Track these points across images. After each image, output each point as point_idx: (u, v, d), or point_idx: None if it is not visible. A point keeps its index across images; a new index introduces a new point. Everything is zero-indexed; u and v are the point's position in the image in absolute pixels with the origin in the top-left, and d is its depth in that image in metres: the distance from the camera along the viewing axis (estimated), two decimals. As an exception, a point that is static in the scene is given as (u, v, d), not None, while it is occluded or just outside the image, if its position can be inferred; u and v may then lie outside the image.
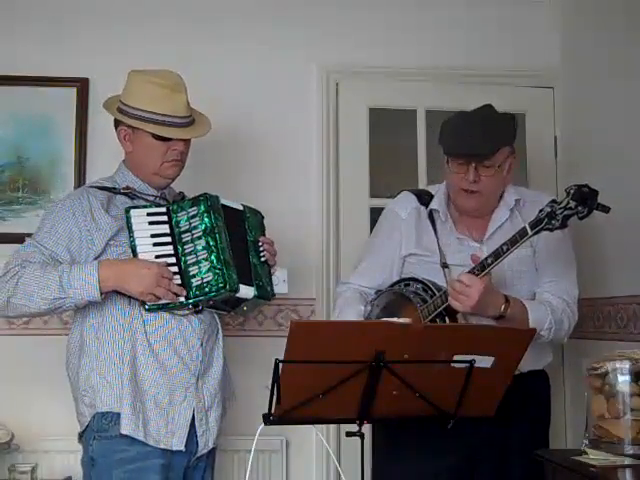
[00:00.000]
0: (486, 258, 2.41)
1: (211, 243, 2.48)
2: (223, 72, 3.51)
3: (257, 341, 3.41)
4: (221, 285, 2.44)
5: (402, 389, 2.13)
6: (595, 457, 2.19)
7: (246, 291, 2.52)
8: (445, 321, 2.47)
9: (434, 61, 3.63)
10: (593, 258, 3.17)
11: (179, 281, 2.47)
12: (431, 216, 2.72)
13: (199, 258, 2.48)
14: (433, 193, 2.77)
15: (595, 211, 2.26)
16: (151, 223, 2.53)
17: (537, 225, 2.32)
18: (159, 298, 2.45)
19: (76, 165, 3.44)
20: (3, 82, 3.45)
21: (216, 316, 2.63)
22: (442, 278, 2.58)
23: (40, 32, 3.48)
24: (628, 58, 3.09)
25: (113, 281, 2.42)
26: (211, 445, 2.55)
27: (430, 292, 2.54)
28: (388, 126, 3.73)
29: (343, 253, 3.55)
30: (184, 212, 2.53)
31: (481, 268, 2.40)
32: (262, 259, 2.63)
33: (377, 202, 3.51)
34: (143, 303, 2.46)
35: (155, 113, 2.54)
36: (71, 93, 3.48)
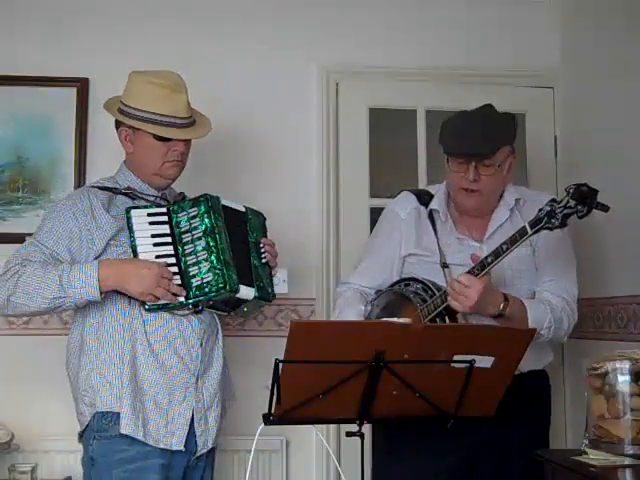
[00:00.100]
0: (486, 257, 2.41)
1: (211, 244, 2.48)
2: (223, 72, 3.51)
3: (257, 341, 3.41)
4: (221, 285, 2.44)
5: (402, 389, 2.13)
6: (595, 457, 2.19)
7: (246, 292, 2.52)
8: (445, 321, 2.48)
9: (434, 61, 3.63)
10: (593, 258, 3.17)
11: (179, 281, 2.48)
12: (431, 216, 2.72)
13: (199, 258, 2.48)
14: (433, 193, 2.77)
15: (595, 210, 2.27)
16: (151, 223, 2.53)
17: (537, 224, 2.32)
18: (159, 298, 2.45)
19: (76, 165, 3.44)
20: (3, 82, 3.45)
21: (216, 316, 2.63)
22: (442, 278, 2.58)
23: (40, 32, 3.48)
24: (628, 58, 3.09)
25: (113, 281, 2.42)
26: (210, 445, 2.55)
27: (430, 292, 2.54)
28: (388, 126, 3.73)
29: (343, 253, 3.55)
30: (184, 213, 2.54)
31: (481, 267, 2.41)
32: (263, 260, 2.63)
33: (377, 202, 3.51)
34: (143, 303, 2.46)
35: (156, 114, 2.54)
36: (71, 93, 3.47)
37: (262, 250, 2.64)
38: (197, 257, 2.48)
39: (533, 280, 2.64)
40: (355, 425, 2.18)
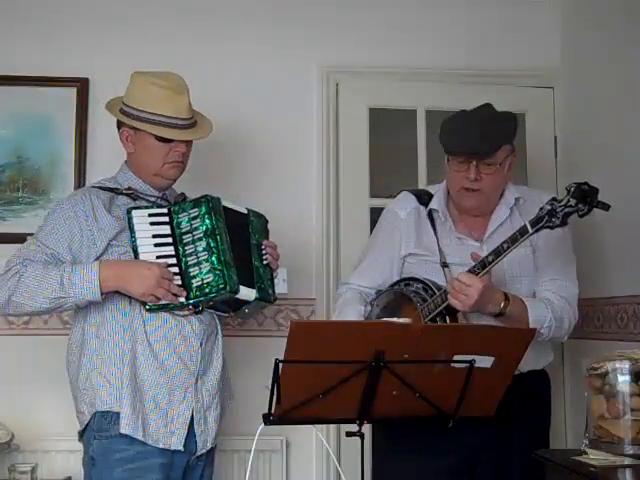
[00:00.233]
0: (486, 256, 2.41)
1: (212, 244, 2.48)
2: (223, 72, 3.51)
3: (257, 341, 3.41)
4: (221, 286, 2.45)
5: (402, 389, 2.13)
6: (595, 457, 2.19)
7: (247, 293, 2.53)
8: (445, 320, 2.47)
9: (434, 61, 3.63)
10: (593, 258, 3.17)
11: (179, 282, 2.48)
12: (430, 216, 2.72)
13: (200, 259, 2.48)
14: (433, 193, 2.77)
15: (595, 209, 2.27)
16: (152, 224, 2.53)
17: (538, 223, 2.32)
18: (159, 299, 2.45)
19: (76, 165, 3.44)
20: (3, 82, 3.44)
21: (215, 317, 2.63)
22: (442, 278, 2.58)
23: (40, 32, 3.48)
24: (628, 58, 3.09)
25: (114, 281, 2.43)
26: (210, 445, 2.56)
27: (430, 292, 2.54)
28: (388, 126, 3.73)
29: (343, 253, 3.55)
30: (185, 213, 2.54)
31: (481, 266, 2.40)
32: (264, 262, 2.64)
33: (377, 202, 3.51)
34: (144, 303, 2.47)
35: (157, 114, 2.55)
36: (71, 93, 3.47)
37: (263, 252, 2.65)
38: (198, 258, 2.49)
39: (533, 280, 2.64)
40: (355, 425, 2.18)
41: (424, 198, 2.76)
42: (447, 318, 2.48)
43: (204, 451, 2.55)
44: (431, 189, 2.82)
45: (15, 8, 3.50)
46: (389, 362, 2.08)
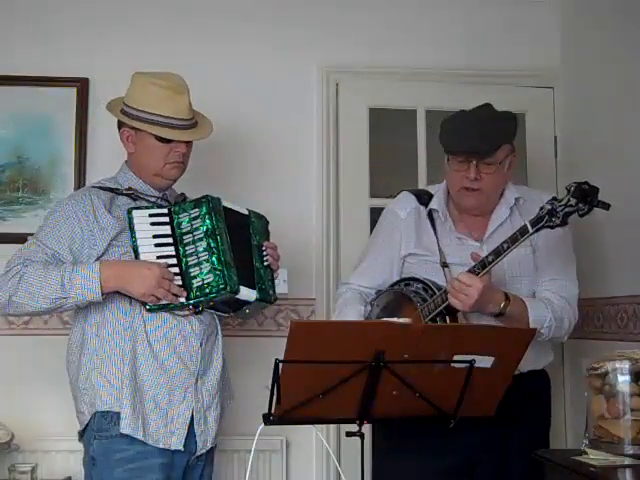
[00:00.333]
0: (487, 256, 2.41)
1: (212, 245, 2.48)
2: (223, 72, 3.51)
3: (257, 341, 3.41)
4: (222, 286, 2.45)
5: (402, 389, 2.12)
6: (595, 457, 2.19)
7: (248, 293, 2.53)
8: (445, 320, 2.47)
9: (434, 61, 3.63)
10: (593, 258, 3.17)
11: (180, 282, 2.48)
12: (430, 216, 2.72)
13: (200, 259, 2.48)
14: (433, 193, 2.77)
15: (595, 209, 2.27)
16: (153, 224, 2.53)
17: (538, 222, 2.32)
18: (160, 299, 2.45)
19: (76, 165, 3.44)
20: (3, 82, 3.44)
21: (215, 317, 2.64)
22: (442, 278, 2.58)
23: (40, 32, 3.48)
24: (628, 58, 3.09)
25: (114, 281, 2.43)
26: (210, 445, 2.56)
27: (430, 291, 2.54)
28: (388, 126, 3.73)
29: (343, 253, 3.55)
30: (186, 214, 2.54)
31: (482, 266, 2.40)
32: (265, 263, 2.64)
33: (377, 202, 3.51)
34: (144, 303, 2.47)
35: (158, 115, 2.55)
36: (71, 93, 3.47)
37: (264, 253, 2.65)
38: (198, 258, 2.49)
39: (533, 279, 2.64)
40: (355, 425, 2.18)
41: (424, 198, 2.76)
42: (447, 318, 2.48)
43: (204, 451, 2.55)
44: (431, 189, 2.82)
45: (15, 8, 3.50)
46: (389, 362, 2.08)
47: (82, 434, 2.52)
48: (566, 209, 2.28)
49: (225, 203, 2.60)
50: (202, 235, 2.50)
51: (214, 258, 2.47)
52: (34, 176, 3.45)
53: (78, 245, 2.48)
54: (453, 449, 2.53)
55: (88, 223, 2.49)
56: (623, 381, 2.24)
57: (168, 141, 2.57)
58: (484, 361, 2.16)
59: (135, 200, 2.60)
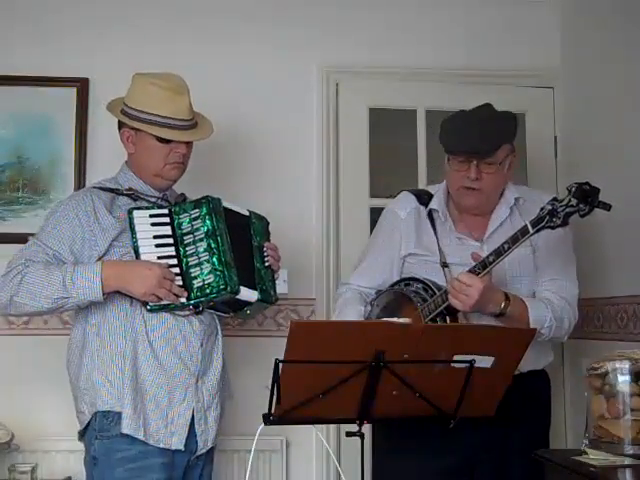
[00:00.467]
0: (487, 257, 2.41)
1: (213, 245, 2.48)
2: (223, 72, 3.51)
3: (257, 341, 3.41)
4: (222, 287, 2.45)
5: (402, 389, 2.12)
6: (595, 457, 2.19)
7: (249, 294, 2.53)
8: (446, 320, 2.47)
9: (434, 61, 3.63)
10: (593, 258, 3.17)
11: (180, 282, 2.48)
12: (431, 216, 2.72)
13: (201, 260, 2.49)
14: (433, 193, 2.77)
15: (596, 209, 2.27)
16: (154, 224, 2.54)
17: (539, 223, 2.32)
18: (161, 299, 2.46)
19: (76, 165, 3.44)
20: (3, 82, 3.44)
21: (215, 317, 2.64)
22: (442, 278, 2.58)
23: (40, 32, 3.48)
24: (628, 58, 3.09)
25: (115, 282, 2.43)
26: (210, 444, 2.57)
27: (430, 292, 2.54)
28: (388, 126, 3.73)
29: (343, 253, 3.55)
30: (186, 214, 2.54)
31: (482, 267, 2.40)
32: (266, 264, 2.64)
33: (377, 202, 3.51)
34: (145, 303, 2.47)
35: (158, 115, 2.55)
36: (71, 93, 3.47)
37: (265, 254, 2.65)
38: (199, 258, 2.49)
39: (533, 280, 2.64)
40: (355, 425, 2.18)
41: (424, 198, 2.76)
42: (447, 318, 2.48)
43: (204, 450, 2.55)
44: (431, 189, 2.82)
45: (15, 8, 3.50)
46: (389, 362, 2.08)
47: (83, 434, 2.52)
48: (567, 209, 2.28)
49: (226, 204, 2.60)
50: (203, 236, 2.50)
51: (214, 259, 2.47)
52: (34, 176, 3.45)
53: (79, 245, 2.49)
54: (453, 449, 2.53)
55: (89, 223, 2.49)
56: (623, 381, 2.24)
57: (168, 142, 2.57)
58: (484, 361, 2.16)
59: (135, 200, 2.60)
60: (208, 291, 2.46)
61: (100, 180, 2.69)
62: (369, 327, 2.22)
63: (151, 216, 2.55)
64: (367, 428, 2.21)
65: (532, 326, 2.45)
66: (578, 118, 3.51)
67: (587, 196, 2.25)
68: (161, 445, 2.45)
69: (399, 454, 2.62)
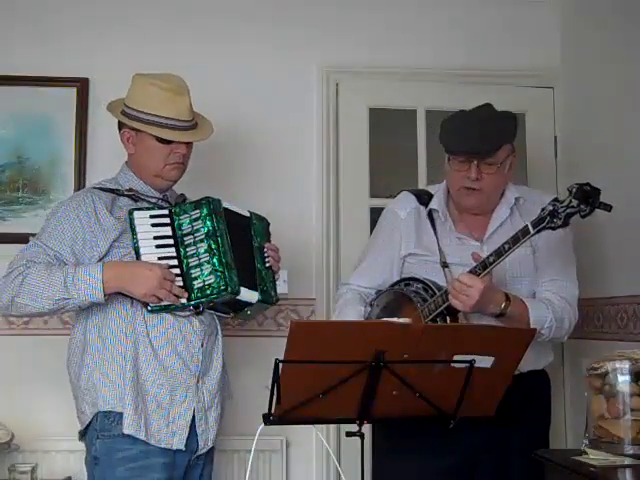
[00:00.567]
0: (488, 257, 2.41)
1: (213, 246, 2.49)
2: (223, 72, 3.51)
3: (257, 341, 3.41)
4: (222, 288, 2.45)
5: (402, 389, 2.12)
6: (595, 457, 2.19)
7: (249, 295, 2.54)
8: (446, 320, 2.47)
9: (434, 61, 3.63)
10: (593, 258, 3.17)
11: (181, 283, 2.49)
12: (431, 216, 2.72)
13: (201, 261, 2.49)
14: (433, 193, 2.77)
15: (597, 210, 2.27)
16: (154, 225, 2.54)
17: (539, 223, 2.32)
18: (161, 300, 2.46)
19: (76, 165, 3.44)
20: (3, 82, 3.44)
21: (215, 317, 2.64)
22: (442, 278, 2.58)
23: (40, 32, 3.48)
24: (628, 58, 3.09)
25: (116, 283, 2.43)
26: (210, 444, 2.57)
27: (431, 292, 2.54)
28: (388, 126, 3.73)
29: (343, 253, 3.55)
30: (186, 215, 2.54)
31: (482, 267, 2.40)
32: (267, 265, 2.65)
33: (377, 202, 3.51)
34: (145, 304, 2.47)
35: (158, 116, 2.55)
36: (71, 93, 3.47)
37: (266, 255, 2.66)
38: (199, 259, 2.49)
39: (533, 280, 2.64)
40: (355, 425, 2.18)
41: (424, 198, 2.76)
42: (448, 318, 2.48)
43: (205, 450, 2.56)
44: (431, 189, 2.82)
45: (15, 8, 3.50)
46: (389, 362, 2.08)
47: (83, 434, 2.53)
48: (567, 210, 2.28)
49: (226, 205, 2.60)
50: (203, 236, 2.51)
51: (215, 259, 2.47)
52: (34, 176, 3.45)
53: (80, 246, 2.49)
54: (453, 449, 2.53)
55: (90, 224, 2.50)
56: (623, 381, 2.24)
57: (168, 142, 2.57)
58: (484, 361, 2.16)
59: (136, 201, 2.60)
60: (208, 292, 2.47)
61: (100, 180, 2.69)
62: (369, 327, 2.22)
63: (151, 217, 2.55)
64: (367, 428, 2.21)
65: (532, 326, 2.45)
66: (578, 118, 3.51)
67: (588, 197, 2.25)
68: (162, 445, 2.45)
69: (399, 454, 2.62)
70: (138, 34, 3.50)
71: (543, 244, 2.62)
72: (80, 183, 3.39)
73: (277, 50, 3.56)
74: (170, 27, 3.52)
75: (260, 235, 2.69)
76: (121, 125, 2.64)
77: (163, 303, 2.47)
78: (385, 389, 2.12)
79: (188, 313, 2.53)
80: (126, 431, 2.40)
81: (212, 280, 2.46)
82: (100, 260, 2.48)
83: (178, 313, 2.51)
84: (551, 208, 2.30)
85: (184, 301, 2.49)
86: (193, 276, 2.49)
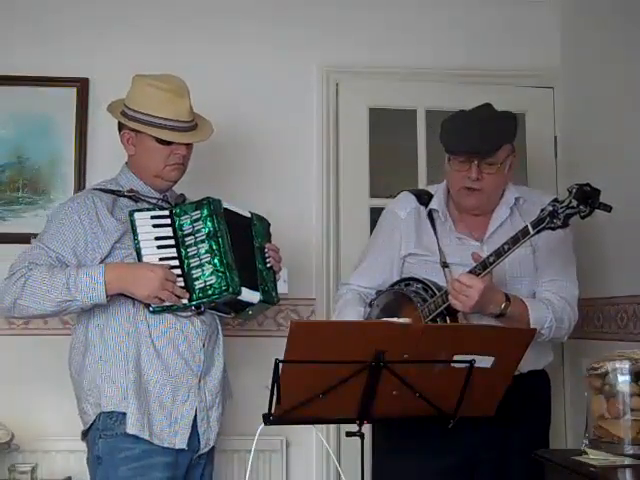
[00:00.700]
0: (487, 257, 2.41)
1: (214, 247, 2.49)
2: (223, 72, 3.51)
3: (257, 341, 3.41)
4: (224, 288, 2.46)
5: (402, 389, 2.12)
6: (595, 457, 2.19)
7: (251, 295, 2.54)
8: (446, 320, 2.47)
9: (434, 61, 3.63)
10: (593, 258, 3.17)
11: (182, 283, 2.49)
12: (431, 216, 2.72)
13: (202, 261, 2.49)
14: (433, 193, 2.77)
15: (597, 210, 2.27)
16: (155, 226, 2.54)
17: (539, 224, 2.32)
18: (163, 300, 2.46)
19: (76, 165, 3.44)
20: (3, 82, 3.44)
21: (216, 317, 2.64)
22: (442, 278, 2.58)
23: (40, 32, 3.48)
24: (628, 58, 3.09)
25: (118, 284, 2.43)
26: (212, 443, 2.58)
27: (431, 292, 2.54)
28: (388, 126, 3.73)
29: (343, 253, 3.55)
30: (187, 216, 2.54)
31: (482, 267, 2.40)
32: (267, 265, 2.65)
33: (377, 202, 3.51)
34: (147, 305, 2.48)
35: (158, 117, 2.55)
36: (71, 93, 3.47)
37: (266, 255, 2.66)
38: (200, 260, 2.49)
39: (533, 280, 2.64)
40: (355, 425, 2.18)
41: (424, 198, 2.76)
42: (447, 318, 2.48)
43: (206, 450, 2.56)
44: (431, 189, 2.82)
45: (15, 8, 3.50)
46: (389, 362, 2.08)
47: (86, 434, 2.53)
48: (567, 211, 2.28)
49: (227, 205, 2.60)
50: (204, 237, 2.51)
51: (216, 260, 2.47)
52: (34, 176, 3.45)
53: (82, 248, 2.49)
54: (453, 449, 2.53)
55: (92, 226, 2.50)
56: (623, 381, 2.24)
57: (168, 143, 2.57)
58: (484, 361, 2.16)
59: (137, 202, 2.60)
60: (210, 292, 2.47)
61: (100, 181, 2.69)
62: (369, 327, 2.22)
63: (152, 217, 2.55)
64: (367, 428, 2.21)
65: (532, 326, 2.45)
66: (578, 118, 3.51)
67: (588, 197, 2.25)
68: (165, 444, 2.45)
69: (399, 454, 2.62)
70: (138, 34, 3.50)
71: (543, 244, 2.62)
72: (80, 183, 3.39)
73: (277, 50, 3.56)
74: (170, 27, 3.52)
75: (261, 235, 2.69)
76: (121, 126, 2.64)
77: (165, 304, 2.47)
78: (385, 389, 2.12)
79: (190, 313, 2.53)
80: (130, 431, 2.41)
81: (213, 280, 2.46)
82: (102, 261, 2.48)
83: (180, 313, 2.52)
84: (551, 208, 2.30)
85: (186, 301, 2.49)
86: (194, 277, 2.49)
